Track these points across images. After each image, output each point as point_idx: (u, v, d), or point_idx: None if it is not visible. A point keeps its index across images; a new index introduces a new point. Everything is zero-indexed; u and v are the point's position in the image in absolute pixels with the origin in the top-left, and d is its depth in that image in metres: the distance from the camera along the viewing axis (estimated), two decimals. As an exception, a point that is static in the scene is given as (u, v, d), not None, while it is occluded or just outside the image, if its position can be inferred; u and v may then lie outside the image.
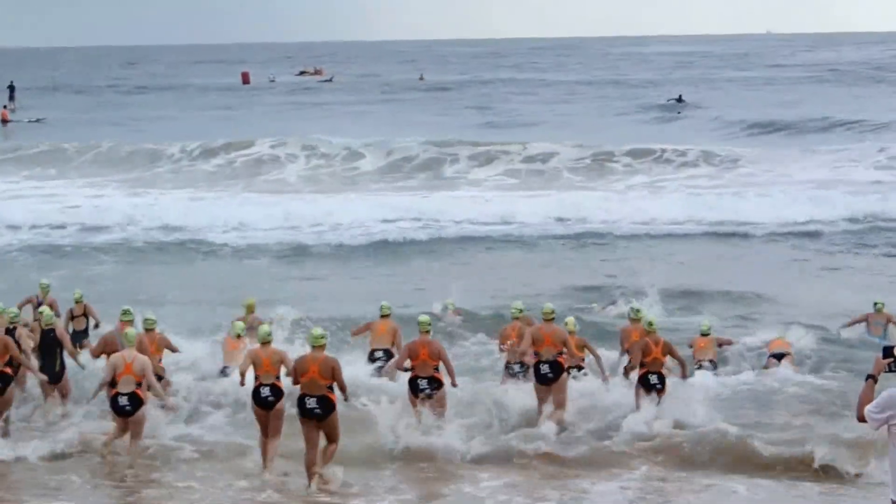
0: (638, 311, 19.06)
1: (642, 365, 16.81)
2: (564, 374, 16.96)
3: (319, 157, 50.89)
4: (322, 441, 14.72)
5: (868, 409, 9.25)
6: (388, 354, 19.30)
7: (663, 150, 49.43)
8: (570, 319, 18.59)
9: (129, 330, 16.37)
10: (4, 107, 79.96)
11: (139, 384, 15.57)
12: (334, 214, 37.99)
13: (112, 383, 15.71)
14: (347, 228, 36.46)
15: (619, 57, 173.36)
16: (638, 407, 16.76)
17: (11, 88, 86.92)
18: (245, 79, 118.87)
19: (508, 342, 18.68)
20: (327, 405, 14.51)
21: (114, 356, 15.97)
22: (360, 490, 14.76)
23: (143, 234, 35.90)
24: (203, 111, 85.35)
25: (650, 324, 17.20)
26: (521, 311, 19.49)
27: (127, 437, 15.73)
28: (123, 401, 15.52)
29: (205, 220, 37.16)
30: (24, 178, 47.91)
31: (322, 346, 14.69)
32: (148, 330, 17.77)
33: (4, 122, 76.30)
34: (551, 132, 60.11)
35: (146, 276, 29.59)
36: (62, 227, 36.82)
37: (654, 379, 16.81)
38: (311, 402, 14.46)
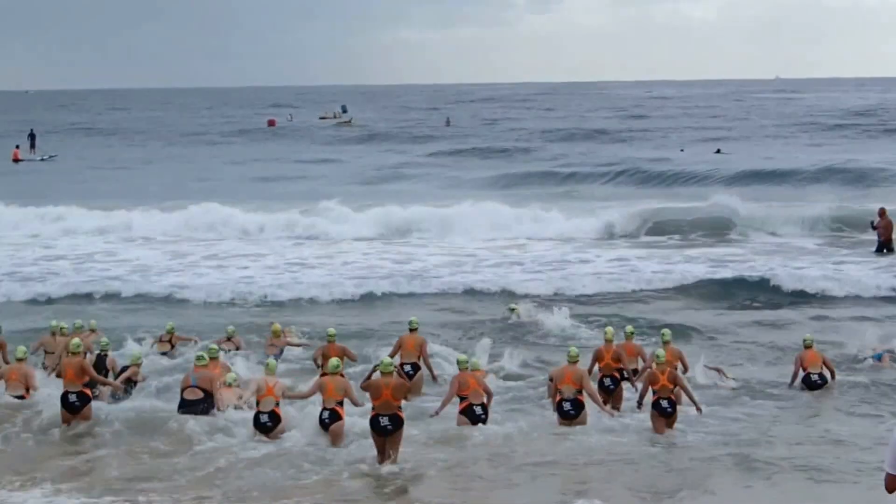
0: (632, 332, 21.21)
1: (654, 392, 18.47)
2: (585, 411, 18.68)
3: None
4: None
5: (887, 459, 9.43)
6: (415, 368, 21.34)
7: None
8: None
9: (271, 360, 19.22)
10: (17, 146, 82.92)
11: (277, 403, 18.24)
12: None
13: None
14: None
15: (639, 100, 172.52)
16: (655, 431, 18.31)
17: (32, 136, 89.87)
18: (271, 123, 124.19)
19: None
20: (398, 422, 16.94)
21: (257, 379, 18.69)
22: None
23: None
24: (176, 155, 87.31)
25: (658, 356, 18.90)
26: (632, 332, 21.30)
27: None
28: (265, 418, 18.12)
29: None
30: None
31: (391, 373, 17.18)
32: (212, 358, 19.81)
33: (16, 160, 79.77)
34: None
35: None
36: None
37: (665, 404, 18.35)
38: (385, 421, 16.90)
